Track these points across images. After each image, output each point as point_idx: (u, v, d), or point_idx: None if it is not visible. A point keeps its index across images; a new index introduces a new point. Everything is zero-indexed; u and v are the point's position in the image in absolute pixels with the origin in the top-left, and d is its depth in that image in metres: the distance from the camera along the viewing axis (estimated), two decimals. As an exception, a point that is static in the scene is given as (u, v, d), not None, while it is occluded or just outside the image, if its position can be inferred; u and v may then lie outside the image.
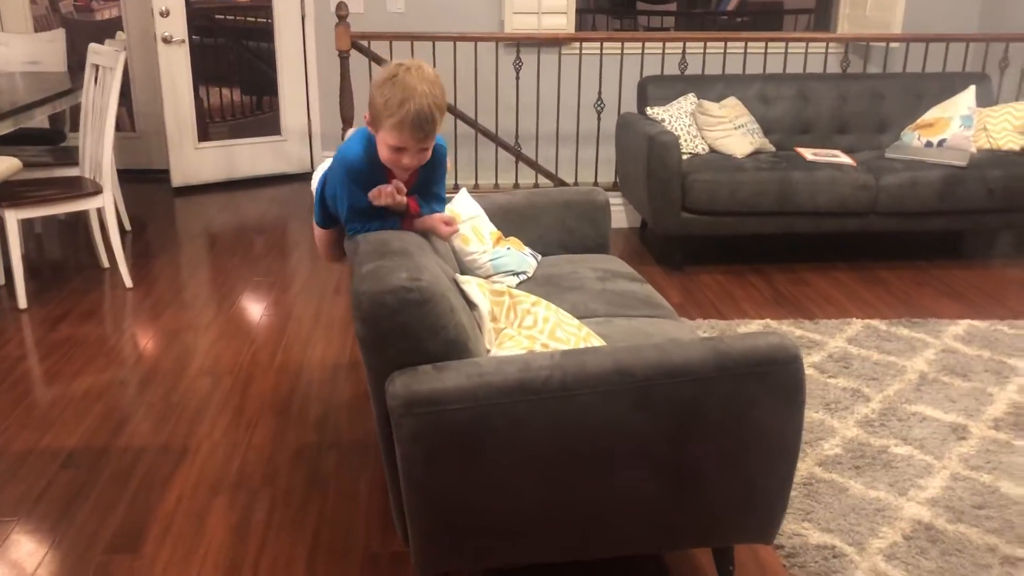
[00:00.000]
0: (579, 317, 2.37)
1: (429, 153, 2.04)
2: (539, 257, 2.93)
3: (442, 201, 2.24)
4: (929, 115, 4.57)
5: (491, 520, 1.81)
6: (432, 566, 1.92)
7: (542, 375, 1.75)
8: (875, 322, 3.58)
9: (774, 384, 1.79)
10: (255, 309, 3.87)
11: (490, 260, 2.70)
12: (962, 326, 3.54)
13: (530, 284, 2.69)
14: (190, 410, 2.97)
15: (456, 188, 2.99)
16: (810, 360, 3.24)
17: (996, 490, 2.46)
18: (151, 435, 2.82)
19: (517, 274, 2.71)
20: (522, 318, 2.08)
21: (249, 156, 6.04)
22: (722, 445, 1.82)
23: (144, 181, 5.94)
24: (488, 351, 1.98)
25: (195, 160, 5.83)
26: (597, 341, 2.13)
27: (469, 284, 2.07)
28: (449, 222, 2.20)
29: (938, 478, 2.52)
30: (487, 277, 2.65)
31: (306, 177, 5.87)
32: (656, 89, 4.71)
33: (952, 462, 2.60)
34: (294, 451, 2.74)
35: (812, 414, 2.86)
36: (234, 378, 3.20)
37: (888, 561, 2.17)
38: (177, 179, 5.77)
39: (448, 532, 1.83)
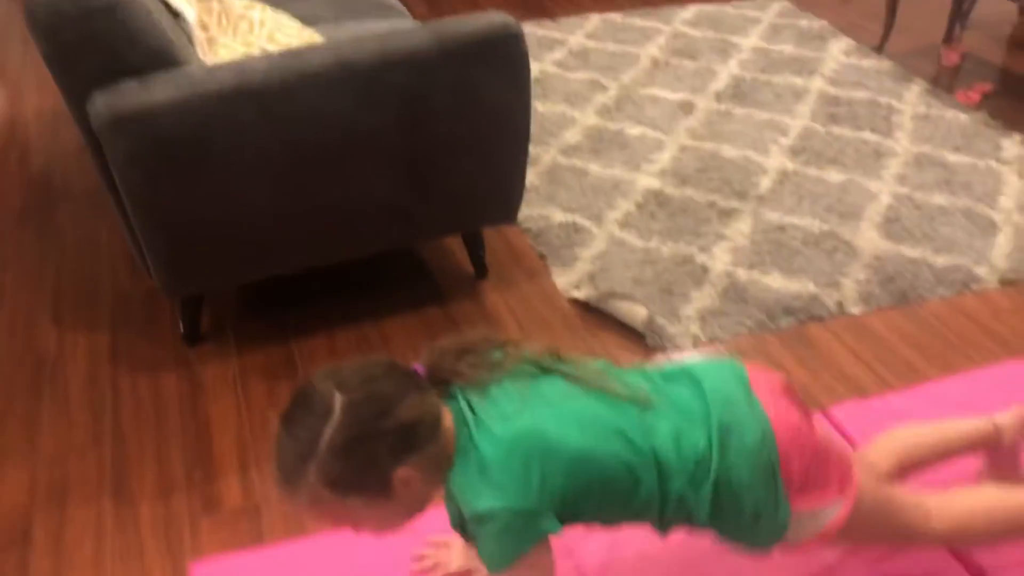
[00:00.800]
0: (304, 25, 2.24)
1: None
2: (258, -31, 2.69)
3: None
4: None
5: (228, 235, 1.77)
6: (178, 290, 1.88)
7: (259, 76, 1.65)
8: (611, 15, 3.64)
9: (497, 63, 1.79)
10: (-54, 65, 3.40)
11: (200, -27, 2.46)
12: (691, 11, 3.67)
13: (250, -3, 2.49)
14: None
15: None
16: (551, 57, 3.28)
17: (717, 154, 2.67)
18: None
19: (233, -14, 2.49)
20: (236, 24, 1.94)
21: None
22: (453, 131, 1.82)
23: None
24: (202, 62, 1.84)
25: None
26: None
27: (168, -10, 1.88)
28: None
29: (667, 151, 2.69)
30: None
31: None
32: None
33: (679, 135, 2.77)
34: (19, 210, 2.53)
35: (553, 108, 2.93)
36: (-67, 141, 2.86)
37: (623, 228, 2.35)
38: None
39: (185, 253, 1.78)
